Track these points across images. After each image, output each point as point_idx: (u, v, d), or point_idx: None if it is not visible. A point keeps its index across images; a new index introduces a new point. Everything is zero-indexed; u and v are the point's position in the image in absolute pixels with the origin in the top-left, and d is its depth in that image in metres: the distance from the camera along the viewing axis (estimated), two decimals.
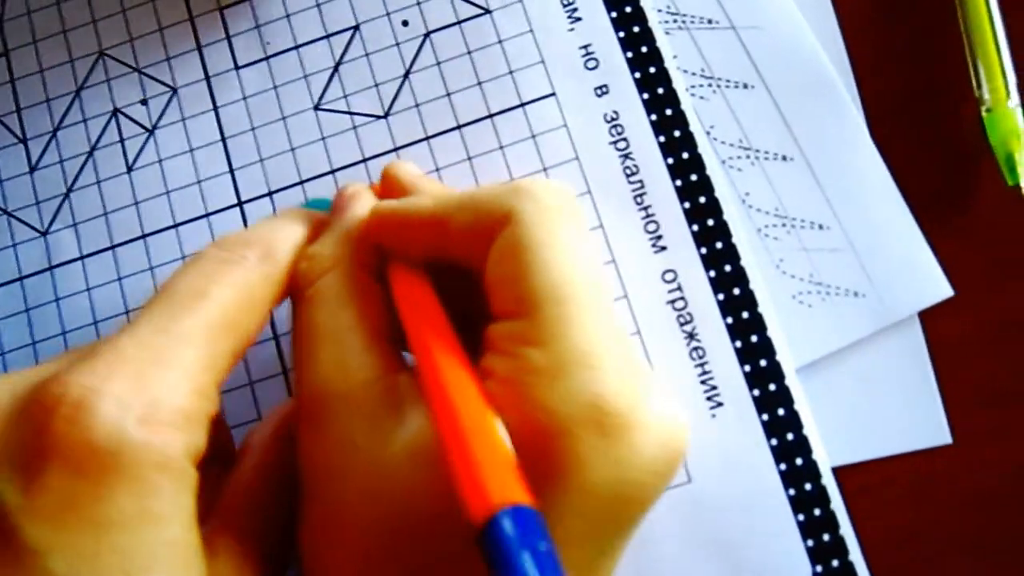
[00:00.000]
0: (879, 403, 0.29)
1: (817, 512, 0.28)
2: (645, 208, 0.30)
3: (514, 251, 0.21)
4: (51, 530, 0.18)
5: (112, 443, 0.19)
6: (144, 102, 0.32)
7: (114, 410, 0.19)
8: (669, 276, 0.30)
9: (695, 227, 0.30)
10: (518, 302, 0.21)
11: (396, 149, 0.31)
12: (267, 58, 0.32)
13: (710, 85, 0.31)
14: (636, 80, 0.31)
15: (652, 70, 0.31)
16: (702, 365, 0.29)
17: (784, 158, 0.30)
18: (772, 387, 0.29)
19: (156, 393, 0.20)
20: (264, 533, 0.23)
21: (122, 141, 0.32)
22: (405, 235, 0.24)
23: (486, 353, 0.21)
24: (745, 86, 0.31)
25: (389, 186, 0.27)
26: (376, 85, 0.32)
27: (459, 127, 0.31)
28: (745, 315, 0.29)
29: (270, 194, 0.31)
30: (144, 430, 0.19)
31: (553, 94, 0.31)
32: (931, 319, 0.30)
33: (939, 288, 0.29)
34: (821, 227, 0.30)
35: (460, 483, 0.18)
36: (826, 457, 0.29)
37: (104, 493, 0.19)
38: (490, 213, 0.22)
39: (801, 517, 0.28)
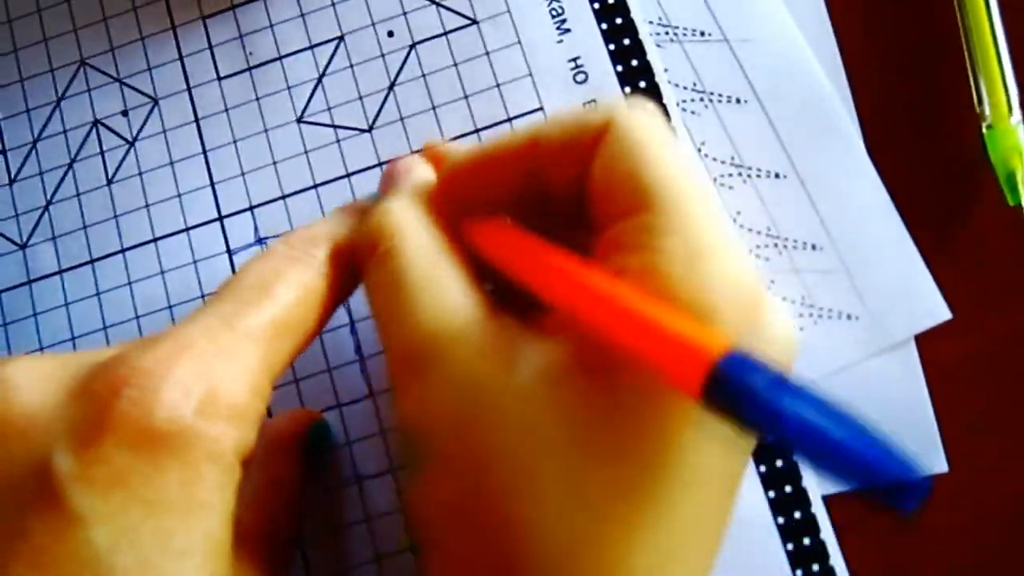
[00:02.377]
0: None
1: (807, 541, 0.28)
2: None
3: (629, 149, 0.21)
4: (100, 500, 0.19)
5: (170, 426, 0.19)
6: (125, 113, 0.32)
7: (176, 395, 0.20)
8: None
9: None
10: (639, 196, 0.20)
11: (380, 164, 0.31)
12: (250, 69, 0.32)
13: (702, 100, 0.30)
14: (626, 95, 0.30)
15: (642, 84, 0.30)
16: None
17: (777, 176, 0.30)
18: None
19: (216, 385, 0.20)
20: (278, 547, 0.24)
21: (102, 153, 0.32)
22: (489, 175, 0.23)
23: (609, 256, 0.20)
24: (738, 101, 0.30)
25: (436, 161, 0.26)
26: (360, 97, 0.31)
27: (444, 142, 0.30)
28: None
29: (251, 208, 0.31)
30: (201, 419, 0.20)
31: (541, 108, 0.30)
32: (928, 342, 0.29)
33: (936, 310, 0.29)
34: (814, 247, 0.29)
35: (661, 347, 0.17)
36: (816, 485, 0.28)
37: (155, 474, 0.19)
38: (587, 123, 0.21)
39: (790, 546, 0.28)
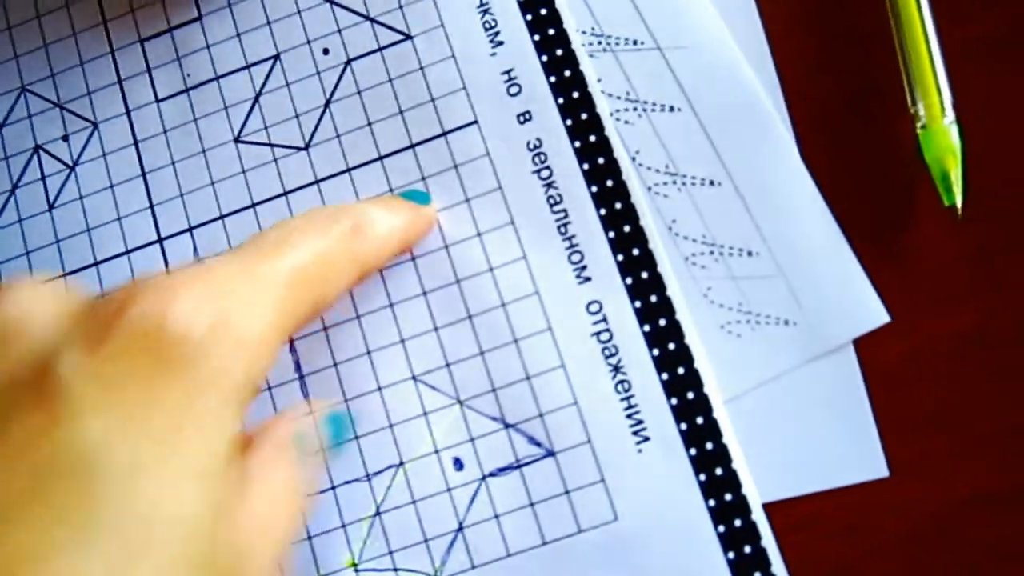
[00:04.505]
0: (812, 436, 0.28)
1: (748, 549, 0.27)
2: (569, 238, 0.29)
3: None
4: (100, 391, 0.19)
5: (180, 340, 0.19)
6: (66, 138, 0.32)
7: (189, 311, 0.20)
8: (594, 307, 0.29)
9: (620, 257, 0.29)
10: None
11: (317, 182, 0.31)
12: (187, 90, 0.32)
13: (635, 109, 0.30)
14: (559, 106, 0.30)
15: (576, 95, 0.30)
16: (628, 399, 0.28)
17: (712, 183, 0.29)
18: (700, 420, 0.28)
19: (229, 314, 0.20)
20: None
21: (44, 178, 0.32)
22: None
23: None
24: (672, 109, 0.30)
25: None
26: (297, 116, 0.31)
27: (380, 158, 0.30)
28: (672, 346, 0.28)
29: (190, 229, 0.31)
30: (211, 339, 0.20)
31: (475, 122, 0.30)
32: (866, 347, 0.28)
33: (874, 314, 0.28)
34: (750, 254, 0.29)
35: None
36: (757, 493, 0.28)
37: (158, 380, 0.19)
38: None
39: (731, 555, 0.27)
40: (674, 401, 0.28)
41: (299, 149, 0.31)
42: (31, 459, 0.18)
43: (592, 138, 0.30)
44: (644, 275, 0.29)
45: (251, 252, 0.23)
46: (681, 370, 0.28)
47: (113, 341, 0.19)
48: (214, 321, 0.20)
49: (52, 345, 0.19)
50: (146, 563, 0.18)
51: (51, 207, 0.32)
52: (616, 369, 0.28)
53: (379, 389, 0.29)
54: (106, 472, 0.18)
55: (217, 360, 0.20)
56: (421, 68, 0.31)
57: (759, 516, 0.28)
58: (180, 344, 0.19)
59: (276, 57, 0.32)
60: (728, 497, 0.28)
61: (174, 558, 0.19)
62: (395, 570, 0.28)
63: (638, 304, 0.29)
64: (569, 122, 0.30)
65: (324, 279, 0.24)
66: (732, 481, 0.28)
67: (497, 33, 0.31)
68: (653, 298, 0.29)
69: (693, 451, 0.28)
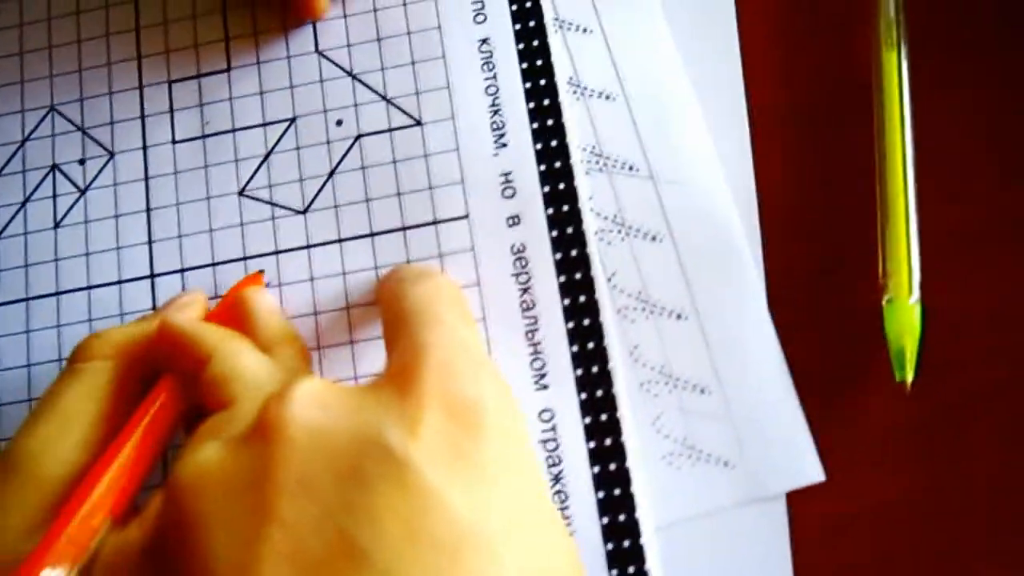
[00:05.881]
0: (734, 574, 0.29)
1: (631, 570, 0.28)
2: (535, 344, 0.31)
3: None
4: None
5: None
6: (82, 162, 0.34)
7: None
8: (546, 416, 0.30)
9: (579, 371, 0.30)
10: None
11: (309, 247, 0.32)
12: (204, 137, 0.33)
13: (619, 231, 0.31)
14: (548, 216, 0.31)
15: (566, 208, 0.31)
16: (563, 510, 0.29)
17: (679, 316, 0.31)
18: (627, 543, 0.29)
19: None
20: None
21: (55, 197, 0.33)
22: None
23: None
24: (654, 238, 0.31)
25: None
26: (301, 180, 0.33)
27: (372, 235, 0.32)
28: (612, 467, 0.30)
29: (182, 271, 0.32)
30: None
31: (467, 216, 0.32)
32: (798, 500, 0.29)
33: (811, 471, 0.29)
34: (703, 391, 0.30)
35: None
36: (650, 515, 0.29)
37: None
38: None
39: (615, 572, 0.28)
40: (605, 520, 0.29)
41: (298, 212, 0.32)
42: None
43: (573, 252, 0.31)
44: (599, 393, 0.30)
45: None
46: (617, 491, 0.29)
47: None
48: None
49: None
50: None
51: (57, 225, 0.33)
52: (556, 479, 0.30)
53: None
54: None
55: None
56: (426, 155, 0.32)
57: (649, 539, 0.29)
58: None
59: (292, 120, 0.33)
60: (621, 518, 0.29)
61: None
62: None
63: (588, 420, 0.30)
64: (555, 233, 0.31)
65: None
66: (627, 503, 0.29)
67: (503, 135, 0.32)
68: (603, 416, 0.30)
69: (615, 572, 0.29)
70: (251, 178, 0.33)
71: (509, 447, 0.23)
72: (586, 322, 0.30)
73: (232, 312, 0.30)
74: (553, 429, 0.30)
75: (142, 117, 0.34)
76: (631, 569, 0.29)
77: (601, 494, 0.29)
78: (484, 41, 0.33)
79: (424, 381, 0.23)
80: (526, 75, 0.32)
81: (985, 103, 0.32)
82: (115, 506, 0.24)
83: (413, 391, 0.22)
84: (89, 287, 0.32)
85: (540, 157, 0.32)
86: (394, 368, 0.24)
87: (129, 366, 0.27)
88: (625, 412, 0.30)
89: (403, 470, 0.20)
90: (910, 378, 0.29)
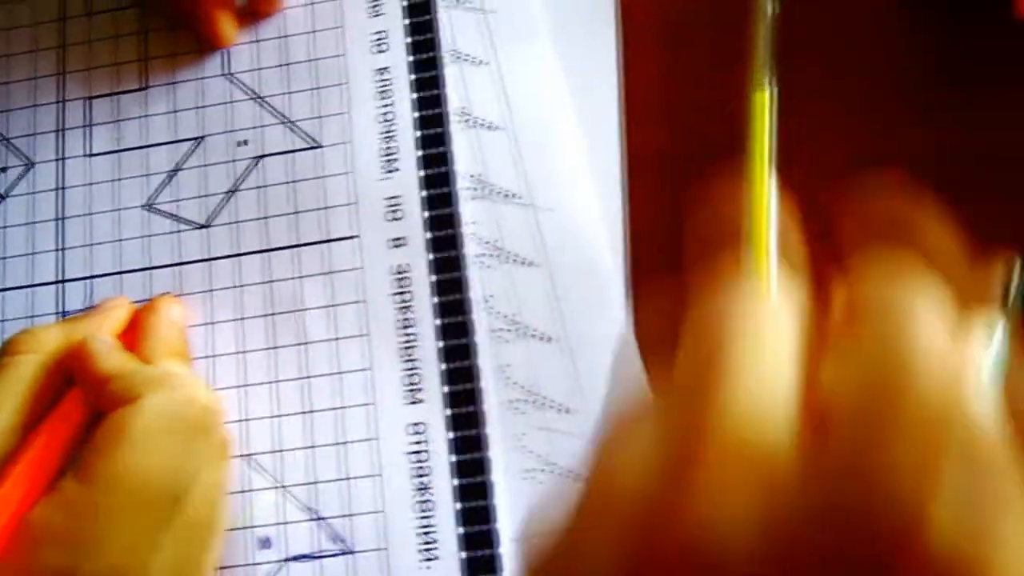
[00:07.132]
0: None
1: None
2: (412, 361, 0.32)
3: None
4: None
5: None
6: (4, 170, 0.36)
7: None
8: (418, 428, 0.32)
9: (450, 388, 0.32)
10: None
11: (209, 259, 0.34)
12: (118, 151, 0.35)
13: (498, 256, 0.33)
14: (430, 239, 0.33)
15: (447, 232, 0.33)
16: (427, 517, 0.31)
17: (549, 339, 0.32)
18: (485, 552, 0.31)
19: None
20: None
21: None
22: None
23: None
24: (530, 264, 0.33)
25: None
26: (204, 195, 0.34)
27: (266, 251, 0.34)
28: (477, 479, 0.31)
29: (90, 278, 0.34)
30: None
31: (356, 236, 0.33)
32: None
33: None
34: (568, 411, 0.32)
35: None
36: (510, 526, 0.30)
37: None
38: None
39: None
40: (462, 530, 0.31)
41: (199, 227, 0.34)
42: None
43: (453, 275, 0.33)
44: (469, 409, 0.32)
45: None
46: (479, 502, 0.31)
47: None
48: None
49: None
50: None
51: None
52: (424, 488, 0.31)
53: None
54: None
55: None
56: (322, 177, 0.34)
57: (506, 549, 0.30)
58: None
59: (200, 139, 0.35)
60: (482, 528, 0.30)
61: None
62: None
63: (456, 434, 0.32)
64: (435, 256, 0.33)
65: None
66: (486, 514, 0.31)
67: (395, 160, 0.34)
68: (472, 432, 0.32)
69: None
70: (158, 193, 0.35)
71: None
72: (461, 341, 0.32)
73: (142, 318, 0.32)
74: (424, 442, 0.32)
75: (61, 130, 0.36)
76: None
77: (462, 505, 0.31)
78: (383, 70, 0.35)
79: None
80: (419, 104, 0.34)
81: None
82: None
83: None
84: (2, 289, 0.34)
85: (426, 183, 0.34)
86: None
87: (56, 363, 0.30)
88: (493, 428, 0.32)
89: None
90: None
